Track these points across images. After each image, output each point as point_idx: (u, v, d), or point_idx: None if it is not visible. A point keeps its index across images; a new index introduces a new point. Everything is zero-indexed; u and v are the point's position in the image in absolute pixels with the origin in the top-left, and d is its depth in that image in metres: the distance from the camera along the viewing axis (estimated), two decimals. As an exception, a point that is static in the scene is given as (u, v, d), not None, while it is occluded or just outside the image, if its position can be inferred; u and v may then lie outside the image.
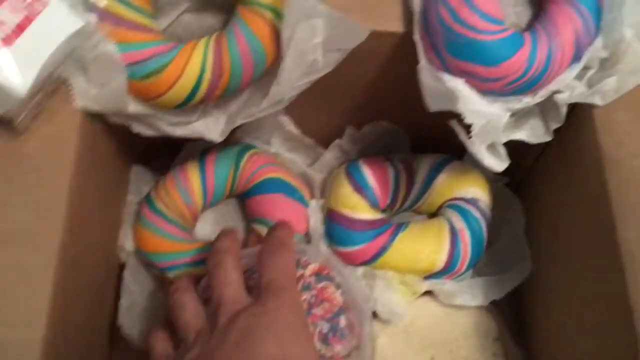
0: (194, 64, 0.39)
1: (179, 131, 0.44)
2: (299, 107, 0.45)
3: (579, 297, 0.43)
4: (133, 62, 0.38)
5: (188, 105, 0.41)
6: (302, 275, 0.38)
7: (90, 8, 0.36)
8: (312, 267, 0.38)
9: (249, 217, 0.53)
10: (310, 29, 0.38)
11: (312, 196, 0.54)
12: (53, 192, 0.36)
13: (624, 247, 0.37)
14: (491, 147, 0.43)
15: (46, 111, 0.37)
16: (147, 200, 0.50)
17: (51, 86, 0.37)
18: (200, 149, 0.53)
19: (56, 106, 0.38)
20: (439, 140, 0.51)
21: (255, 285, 0.36)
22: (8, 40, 0.32)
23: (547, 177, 0.50)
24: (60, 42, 0.34)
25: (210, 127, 0.44)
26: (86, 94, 0.38)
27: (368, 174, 0.51)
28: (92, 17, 0.36)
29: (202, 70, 0.39)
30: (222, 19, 0.42)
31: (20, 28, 0.33)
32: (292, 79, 0.40)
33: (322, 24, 0.38)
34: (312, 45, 0.39)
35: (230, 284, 0.36)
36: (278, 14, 0.38)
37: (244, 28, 0.39)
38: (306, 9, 0.37)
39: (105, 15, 0.37)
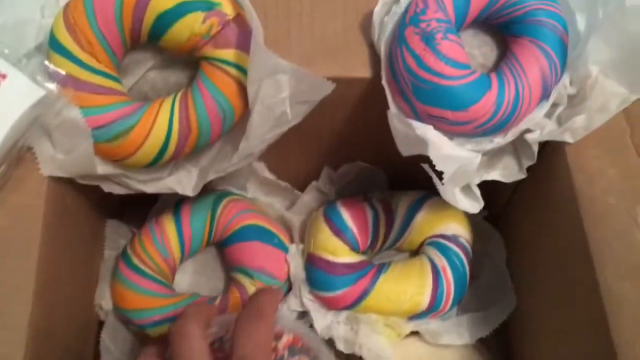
0: (160, 125, 0.38)
1: (151, 188, 0.44)
2: (272, 153, 0.45)
3: (559, 330, 0.43)
4: (98, 125, 0.38)
5: (157, 164, 0.40)
6: (275, 348, 0.36)
7: (51, 76, 0.36)
8: (285, 340, 0.36)
9: (228, 266, 0.52)
10: (275, 84, 0.38)
11: (292, 240, 0.54)
12: (21, 264, 0.35)
13: (604, 289, 0.36)
14: (465, 188, 0.43)
15: (12, 180, 0.37)
16: (124, 256, 0.50)
17: (16, 155, 0.36)
18: (176, 199, 0.52)
19: (22, 174, 0.37)
20: (416, 176, 0.51)
21: (225, 358, 0.34)
22: (-34, 117, 0.32)
23: (524, 212, 0.50)
24: (21, 113, 0.34)
25: (183, 182, 0.44)
26: (52, 161, 0.38)
27: (346, 216, 0.51)
28: (53, 85, 0.36)
29: (169, 130, 0.39)
30: (187, 75, 0.42)
31: (-22, 103, 0.33)
32: (260, 133, 0.40)
33: (287, 79, 0.38)
34: (279, 100, 0.38)
35: (196, 356, 0.33)
36: (242, 69, 0.38)
37: (209, 85, 0.38)
38: (269, 66, 0.36)
39: (67, 80, 0.37)
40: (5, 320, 0.34)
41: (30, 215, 0.36)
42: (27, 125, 0.35)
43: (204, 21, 0.37)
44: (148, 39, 0.39)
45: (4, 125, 0.33)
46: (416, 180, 0.53)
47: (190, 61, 0.41)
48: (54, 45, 0.37)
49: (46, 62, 0.36)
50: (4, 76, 0.34)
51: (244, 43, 0.38)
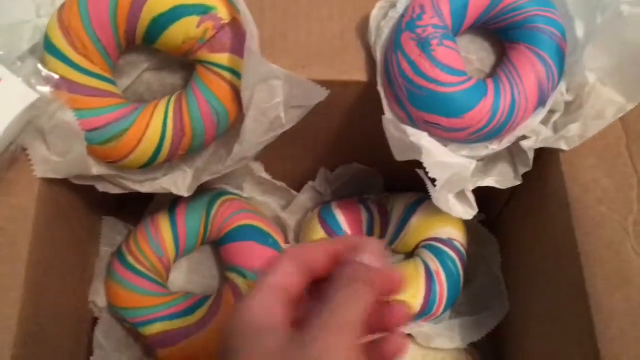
0: (154, 128, 0.38)
1: (146, 188, 0.44)
2: (269, 153, 0.45)
3: (549, 338, 0.43)
4: (92, 128, 0.38)
5: (151, 166, 0.40)
6: None
7: (45, 79, 0.36)
8: None
9: (223, 265, 0.53)
10: (269, 89, 0.37)
11: (287, 241, 0.54)
12: (10, 267, 0.35)
13: (593, 300, 0.36)
14: (460, 195, 0.43)
15: (4, 182, 0.37)
16: (118, 254, 0.50)
17: (9, 158, 0.37)
18: (172, 197, 0.52)
19: (15, 176, 0.37)
20: (412, 178, 0.51)
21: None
22: (-42, 121, 0.32)
23: (519, 217, 0.50)
24: (14, 117, 0.34)
25: (178, 182, 0.44)
26: (46, 162, 0.38)
27: (341, 218, 0.51)
28: (48, 88, 0.36)
29: (163, 134, 0.39)
30: (183, 76, 0.42)
31: (-29, 107, 0.33)
32: (254, 138, 0.40)
33: (280, 85, 0.38)
34: (273, 105, 0.38)
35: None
36: (237, 73, 0.38)
37: (203, 89, 0.38)
38: (263, 72, 0.36)
39: (61, 83, 0.37)
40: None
41: (21, 217, 0.36)
42: (20, 128, 0.35)
43: (198, 25, 0.37)
44: (143, 41, 0.39)
45: (-4, 129, 0.33)
46: (412, 183, 0.53)
47: (186, 62, 0.41)
48: (48, 47, 0.37)
49: (39, 66, 0.35)
50: (-3, 79, 0.34)
51: (239, 47, 0.38)
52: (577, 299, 0.37)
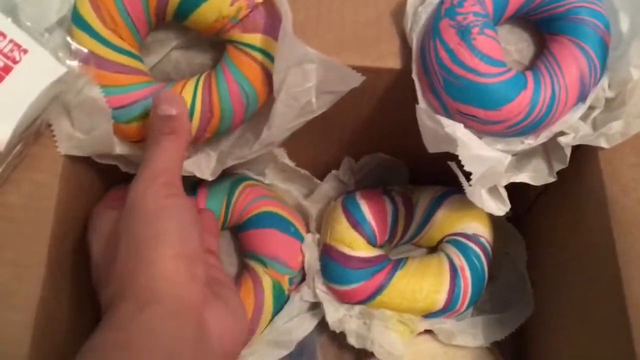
0: (182, 108, 0.37)
1: (169, 170, 0.43)
2: (293, 140, 0.44)
3: (582, 342, 0.42)
4: (119, 105, 0.37)
5: (177, 147, 0.39)
6: None
7: (74, 53, 0.35)
8: None
9: (243, 251, 0.52)
10: (302, 73, 0.36)
11: (308, 229, 0.53)
12: (33, 244, 0.34)
13: (630, 301, 0.35)
14: (492, 189, 0.41)
15: (28, 158, 0.36)
16: (138, 236, 0.49)
17: (34, 132, 0.36)
18: (192, 180, 0.51)
19: (39, 152, 0.36)
20: (438, 171, 0.50)
21: None
22: (-17, 93, 0.31)
23: (549, 215, 0.49)
24: (41, 91, 0.32)
25: (202, 166, 0.43)
26: (70, 139, 0.37)
27: (365, 209, 0.50)
28: (75, 62, 0.35)
29: (191, 114, 0.37)
30: (212, 57, 0.41)
31: (-3, 79, 0.31)
32: (284, 123, 0.38)
33: (314, 69, 0.36)
34: (305, 89, 0.37)
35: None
36: (269, 55, 0.37)
37: (234, 70, 0.37)
38: (297, 55, 0.35)
39: (89, 58, 0.36)
40: (15, 301, 0.33)
41: (44, 195, 0.35)
42: (46, 102, 0.34)
43: (232, 3, 0.36)
44: (173, 18, 0.37)
45: (22, 103, 0.32)
46: (437, 175, 0.52)
47: (215, 42, 0.40)
48: (76, 20, 0.36)
49: (69, 39, 0.34)
50: (25, 51, 0.33)
51: (271, 28, 0.36)
52: (613, 300, 0.36)
